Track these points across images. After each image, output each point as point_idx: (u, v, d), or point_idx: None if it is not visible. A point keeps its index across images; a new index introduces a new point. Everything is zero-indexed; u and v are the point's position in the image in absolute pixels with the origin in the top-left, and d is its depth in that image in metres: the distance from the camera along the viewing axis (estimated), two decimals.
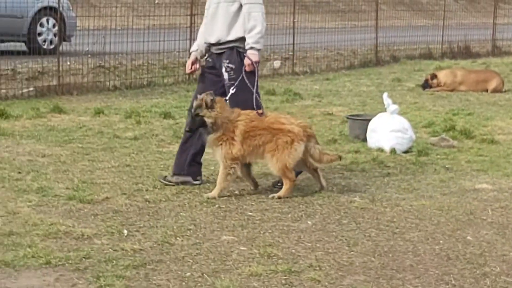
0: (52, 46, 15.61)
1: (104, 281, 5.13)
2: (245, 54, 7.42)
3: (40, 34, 15.74)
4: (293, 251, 5.89)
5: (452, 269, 5.62)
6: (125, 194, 7.26)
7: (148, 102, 12.65)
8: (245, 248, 5.91)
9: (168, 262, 5.57)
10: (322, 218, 6.74)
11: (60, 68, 13.49)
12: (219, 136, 7.27)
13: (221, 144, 7.28)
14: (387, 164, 8.80)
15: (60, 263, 5.45)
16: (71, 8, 16.33)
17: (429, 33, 21.89)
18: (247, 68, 7.43)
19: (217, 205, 7.03)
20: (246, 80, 7.42)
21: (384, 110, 9.81)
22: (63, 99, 12.74)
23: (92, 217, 6.57)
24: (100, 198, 7.08)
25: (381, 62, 19.69)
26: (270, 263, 5.59)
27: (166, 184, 7.54)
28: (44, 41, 15.79)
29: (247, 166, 7.51)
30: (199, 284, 5.21)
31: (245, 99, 7.39)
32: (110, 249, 5.76)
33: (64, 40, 15.13)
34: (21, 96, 12.72)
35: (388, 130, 9.43)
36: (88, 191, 7.26)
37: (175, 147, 8.55)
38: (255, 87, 7.49)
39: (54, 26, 15.71)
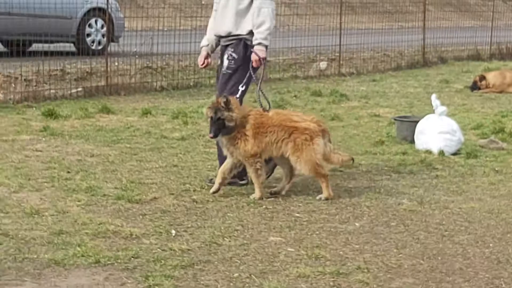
0: (100, 47, 15.78)
1: (152, 280, 5.16)
2: (252, 50, 7.38)
3: (88, 35, 15.91)
4: (341, 253, 5.87)
5: (502, 272, 5.55)
6: (172, 194, 7.30)
7: (194, 103, 12.70)
8: (293, 250, 5.90)
9: (216, 262, 5.59)
10: (370, 220, 6.70)
11: (108, 69, 13.61)
12: (234, 135, 7.19)
13: (237, 143, 7.19)
14: (435, 166, 8.73)
15: (109, 262, 5.49)
16: (119, 9, 16.47)
17: (477, 34, 21.68)
18: (254, 64, 7.40)
19: (264, 206, 7.03)
20: (252, 75, 7.41)
21: (432, 111, 9.73)
22: (111, 99, 12.85)
23: (141, 217, 6.61)
24: (148, 198, 7.12)
25: (428, 64, 19.53)
26: (317, 265, 5.57)
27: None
28: (93, 41, 15.96)
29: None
30: (247, 285, 5.21)
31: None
32: (159, 249, 5.79)
33: (112, 41, 15.28)
34: (70, 96, 12.85)
35: (437, 132, 9.35)
36: (136, 191, 7.31)
37: None
38: (259, 83, 7.49)
39: (102, 27, 15.87)
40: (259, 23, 7.36)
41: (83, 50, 15.15)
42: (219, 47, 7.81)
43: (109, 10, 14.76)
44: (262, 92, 7.55)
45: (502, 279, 5.43)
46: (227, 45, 7.57)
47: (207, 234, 6.16)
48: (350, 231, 6.39)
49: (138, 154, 8.89)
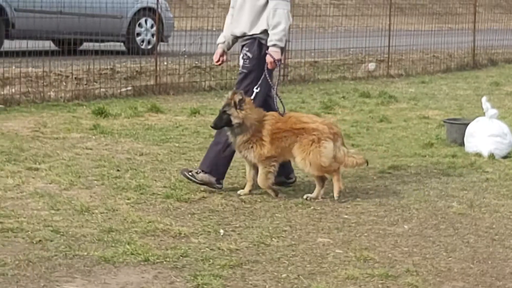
0: (150, 46, 15.90)
1: (201, 279, 5.18)
2: (267, 51, 7.33)
3: (138, 34, 16.05)
4: (390, 255, 5.84)
5: None
6: (221, 193, 7.32)
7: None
8: (341, 251, 5.89)
9: (264, 262, 5.59)
10: (419, 223, 6.66)
11: (158, 68, 13.69)
12: (249, 138, 7.15)
13: (252, 146, 7.15)
14: (485, 169, 8.64)
15: (158, 260, 5.52)
16: (169, 9, 16.57)
17: None
18: (269, 66, 7.32)
19: (312, 207, 7.02)
20: (267, 77, 7.36)
21: (482, 114, 9.64)
22: (160, 98, 12.92)
23: (189, 216, 6.64)
24: (196, 197, 7.15)
25: (478, 66, 19.34)
26: (366, 267, 5.55)
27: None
28: (142, 41, 16.09)
29: (256, 169, 7.35)
30: (295, 285, 5.20)
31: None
32: (207, 248, 5.82)
33: (162, 41, 15.37)
34: (120, 95, 12.95)
35: (487, 135, 9.26)
36: (185, 190, 7.34)
37: None
38: (276, 86, 7.44)
39: (152, 26, 15.99)
40: (274, 24, 7.27)
41: (133, 50, 15.30)
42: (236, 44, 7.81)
43: (159, 9, 14.85)
44: (278, 96, 7.50)
45: None
46: (243, 45, 7.57)
47: (255, 234, 6.17)
48: (399, 233, 6.36)
49: (187, 154, 8.94)
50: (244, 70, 7.44)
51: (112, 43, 15.82)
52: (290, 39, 15.49)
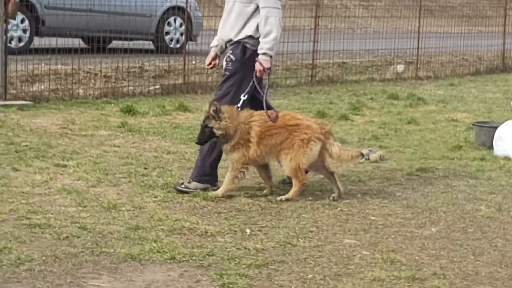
0: (178, 45, 15.95)
1: (227, 279, 5.17)
2: (256, 59, 7.25)
3: (167, 33, 16.09)
4: (417, 258, 5.80)
5: None
6: (247, 193, 7.31)
7: (270, 103, 12.67)
8: (368, 253, 5.86)
9: (290, 263, 5.58)
10: (446, 226, 6.61)
11: (186, 67, 13.71)
12: (236, 142, 7.11)
13: (238, 148, 7.12)
14: None
15: (184, 259, 5.52)
16: (198, 8, 16.60)
17: None
18: (258, 74, 7.28)
19: (339, 208, 7.00)
20: (256, 85, 7.33)
21: None
22: (188, 97, 12.94)
23: (216, 214, 6.64)
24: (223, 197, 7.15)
25: (508, 69, 19.20)
26: (393, 269, 5.52)
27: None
28: (171, 40, 16.13)
29: (265, 168, 7.36)
30: (321, 286, 5.19)
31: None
32: (233, 247, 5.81)
33: (191, 40, 15.40)
34: (148, 94, 12.99)
35: None
36: (211, 189, 7.33)
37: None
38: (265, 93, 7.38)
39: (181, 25, 16.03)
40: (266, 33, 7.20)
41: (161, 48, 15.32)
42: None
43: (188, 9, 14.87)
44: (268, 103, 7.42)
45: None
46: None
47: (281, 234, 6.16)
48: (426, 236, 6.32)
49: None
50: (227, 73, 7.40)
51: (141, 42, 15.88)
52: (318, 40, 15.51)
